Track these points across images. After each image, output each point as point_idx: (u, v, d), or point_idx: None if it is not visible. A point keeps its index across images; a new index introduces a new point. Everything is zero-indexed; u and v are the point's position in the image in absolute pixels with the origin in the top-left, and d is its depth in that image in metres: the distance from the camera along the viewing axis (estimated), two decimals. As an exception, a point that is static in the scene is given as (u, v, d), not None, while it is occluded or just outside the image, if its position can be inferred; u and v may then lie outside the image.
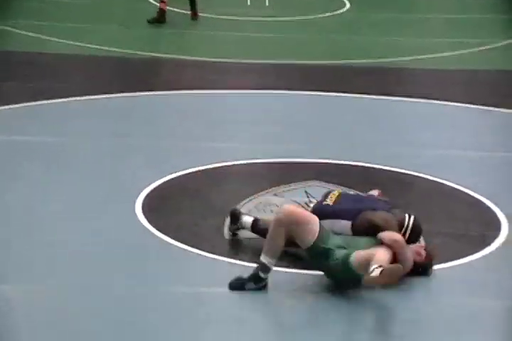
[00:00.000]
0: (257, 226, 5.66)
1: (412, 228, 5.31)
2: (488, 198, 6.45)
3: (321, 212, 5.44)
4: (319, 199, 5.73)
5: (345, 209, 5.40)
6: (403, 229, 5.31)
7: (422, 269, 5.23)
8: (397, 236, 5.12)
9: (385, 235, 5.12)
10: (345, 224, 5.37)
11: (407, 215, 5.38)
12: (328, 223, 5.33)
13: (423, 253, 5.24)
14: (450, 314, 4.97)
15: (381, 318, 4.87)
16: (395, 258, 5.03)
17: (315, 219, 5.17)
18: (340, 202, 5.49)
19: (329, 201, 5.54)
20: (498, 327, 4.85)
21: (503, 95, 9.12)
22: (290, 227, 5.06)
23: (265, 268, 5.06)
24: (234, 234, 5.76)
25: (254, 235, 5.67)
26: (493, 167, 7.20)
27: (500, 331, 4.80)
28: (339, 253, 5.03)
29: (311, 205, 5.82)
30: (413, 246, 5.26)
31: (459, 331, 4.79)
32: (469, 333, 4.78)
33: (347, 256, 5.00)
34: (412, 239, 5.33)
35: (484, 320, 4.92)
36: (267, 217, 5.85)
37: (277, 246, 5.06)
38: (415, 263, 5.17)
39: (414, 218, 5.38)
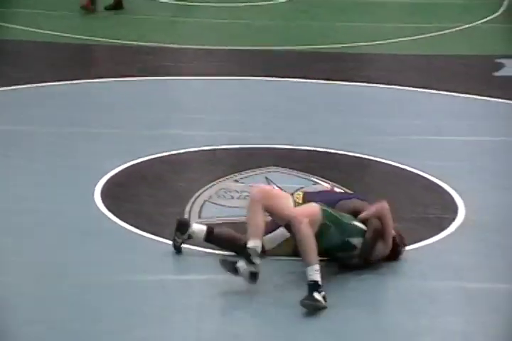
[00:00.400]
0: (212, 235, 5.31)
1: (386, 215, 5.28)
2: (446, 182, 6.51)
3: None
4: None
5: (324, 201, 5.26)
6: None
7: (394, 253, 5.26)
8: (385, 205, 5.18)
9: (375, 206, 5.18)
10: None
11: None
12: None
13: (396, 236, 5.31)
14: (409, 296, 5.00)
15: (340, 302, 4.89)
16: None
17: (287, 194, 5.23)
18: (310, 199, 5.33)
19: (299, 200, 5.35)
20: (456, 308, 4.90)
21: (461, 80, 9.19)
22: (265, 203, 5.01)
23: (255, 252, 4.93)
24: (179, 245, 5.30)
25: (206, 246, 5.32)
26: (451, 151, 7.26)
27: (459, 312, 4.86)
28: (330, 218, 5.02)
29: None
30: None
31: (417, 312, 4.83)
32: (428, 314, 4.82)
33: (338, 219, 5.06)
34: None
35: (442, 301, 4.97)
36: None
37: (259, 226, 4.97)
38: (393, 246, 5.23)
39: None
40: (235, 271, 4.91)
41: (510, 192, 6.38)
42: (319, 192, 5.78)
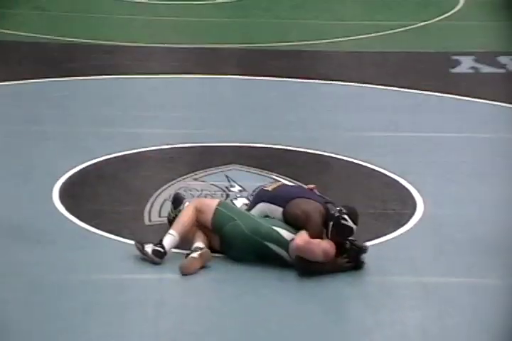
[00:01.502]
0: None
1: (337, 225, 5.21)
2: (404, 178, 6.56)
3: (258, 195, 5.58)
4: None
5: (279, 196, 5.44)
6: (327, 224, 5.24)
7: (352, 262, 5.22)
8: (305, 239, 5.13)
9: (297, 239, 5.16)
10: (277, 209, 5.42)
11: (337, 213, 5.25)
12: (263, 206, 5.46)
13: (330, 252, 5.17)
14: (368, 291, 5.04)
15: (299, 298, 4.91)
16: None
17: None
18: (278, 190, 5.53)
19: (269, 188, 5.60)
20: (413, 302, 4.94)
21: (419, 76, 9.26)
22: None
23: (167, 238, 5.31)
24: (172, 220, 5.55)
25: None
26: (409, 147, 7.31)
27: (416, 305, 4.90)
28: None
29: (232, 189, 5.80)
30: (323, 244, 5.18)
31: (376, 307, 4.87)
32: (387, 308, 4.86)
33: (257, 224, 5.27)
34: (338, 235, 5.24)
35: (401, 295, 5.01)
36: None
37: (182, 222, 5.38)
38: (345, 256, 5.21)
39: (347, 217, 5.22)
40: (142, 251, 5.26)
41: (466, 187, 6.45)
42: (293, 186, 5.86)
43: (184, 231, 5.35)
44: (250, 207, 5.58)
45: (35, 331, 4.52)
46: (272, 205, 5.45)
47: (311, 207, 5.32)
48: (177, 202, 5.61)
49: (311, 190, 5.70)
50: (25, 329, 4.53)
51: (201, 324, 4.66)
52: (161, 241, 5.28)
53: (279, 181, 5.92)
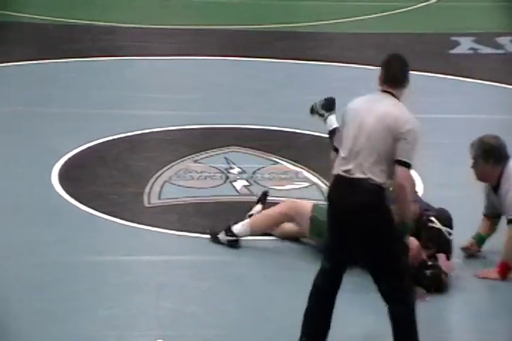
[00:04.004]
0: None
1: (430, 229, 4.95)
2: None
3: None
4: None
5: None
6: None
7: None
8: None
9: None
10: None
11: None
12: None
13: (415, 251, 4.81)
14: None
15: (303, 279, 4.95)
16: None
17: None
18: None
19: None
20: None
21: (418, 57, 9.22)
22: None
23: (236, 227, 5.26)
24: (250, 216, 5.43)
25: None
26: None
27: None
28: None
29: (231, 171, 5.82)
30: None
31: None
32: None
33: None
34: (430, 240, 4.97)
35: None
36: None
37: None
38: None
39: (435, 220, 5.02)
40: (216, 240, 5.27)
41: (466, 169, 6.45)
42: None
43: (258, 230, 5.26)
44: None
45: (47, 310, 4.54)
46: None
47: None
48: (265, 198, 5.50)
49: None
50: (38, 308, 4.55)
51: (199, 305, 4.70)
52: (230, 228, 5.20)
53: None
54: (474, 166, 5.12)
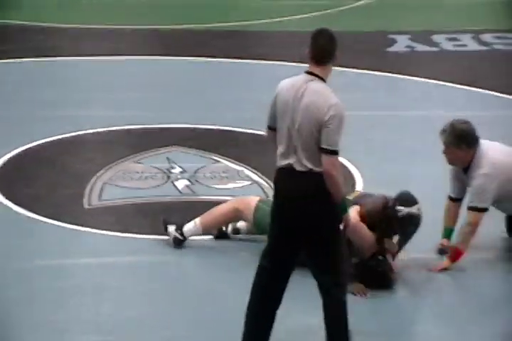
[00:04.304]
0: None
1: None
2: (342, 156, 6.58)
3: None
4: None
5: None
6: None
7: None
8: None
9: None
10: None
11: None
12: None
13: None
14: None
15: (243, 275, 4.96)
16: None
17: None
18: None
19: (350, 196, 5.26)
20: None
21: (356, 55, 9.33)
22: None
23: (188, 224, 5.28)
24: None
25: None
26: (350, 127, 7.35)
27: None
28: None
29: (173, 171, 5.80)
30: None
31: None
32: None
33: None
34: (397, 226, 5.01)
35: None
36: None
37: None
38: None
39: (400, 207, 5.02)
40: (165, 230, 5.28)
41: (401, 163, 6.55)
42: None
43: (210, 228, 5.27)
44: None
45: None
46: None
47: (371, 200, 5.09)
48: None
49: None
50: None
51: (140, 308, 4.66)
52: (183, 226, 5.21)
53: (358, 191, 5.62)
54: (446, 151, 5.14)
